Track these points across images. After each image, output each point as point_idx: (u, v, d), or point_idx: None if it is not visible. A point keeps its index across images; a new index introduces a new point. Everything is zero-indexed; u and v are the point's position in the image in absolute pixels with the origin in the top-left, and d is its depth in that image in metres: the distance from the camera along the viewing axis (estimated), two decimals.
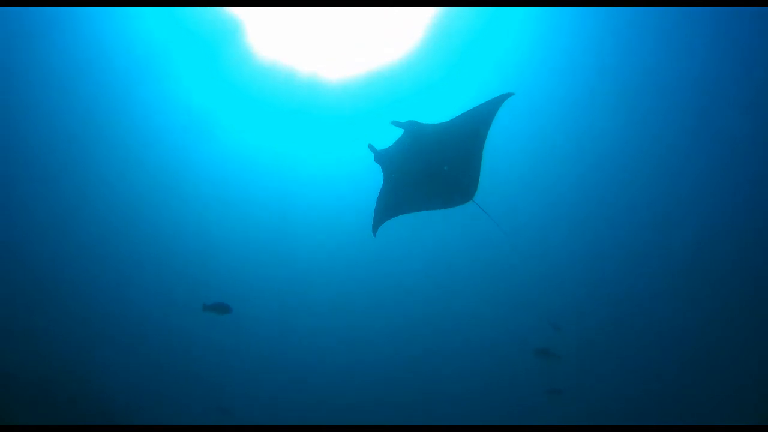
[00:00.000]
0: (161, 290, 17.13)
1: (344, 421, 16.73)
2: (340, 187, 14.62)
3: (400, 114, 10.18)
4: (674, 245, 16.03)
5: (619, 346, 18.23)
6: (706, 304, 16.91)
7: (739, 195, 14.45)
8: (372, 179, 7.23)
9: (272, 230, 16.32)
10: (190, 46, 11.63)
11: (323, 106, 12.84)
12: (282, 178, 14.94)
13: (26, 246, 15.49)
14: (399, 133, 6.46)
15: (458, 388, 19.19)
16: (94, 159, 14.09)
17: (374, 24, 11.06)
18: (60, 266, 16.05)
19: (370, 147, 6.39)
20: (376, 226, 6.87)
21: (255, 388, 19.02)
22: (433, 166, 6.56)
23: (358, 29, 11.16)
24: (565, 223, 16.16)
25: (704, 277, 16.46)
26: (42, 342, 15.51)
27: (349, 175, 14.09)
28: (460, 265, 17.26)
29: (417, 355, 19.29)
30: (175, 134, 13.80)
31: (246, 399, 18.91)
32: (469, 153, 6.56)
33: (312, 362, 19.24)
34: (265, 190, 15.33)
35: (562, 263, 17.06)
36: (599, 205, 15.58)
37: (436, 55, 11.87)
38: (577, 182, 15.11)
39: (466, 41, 11.59)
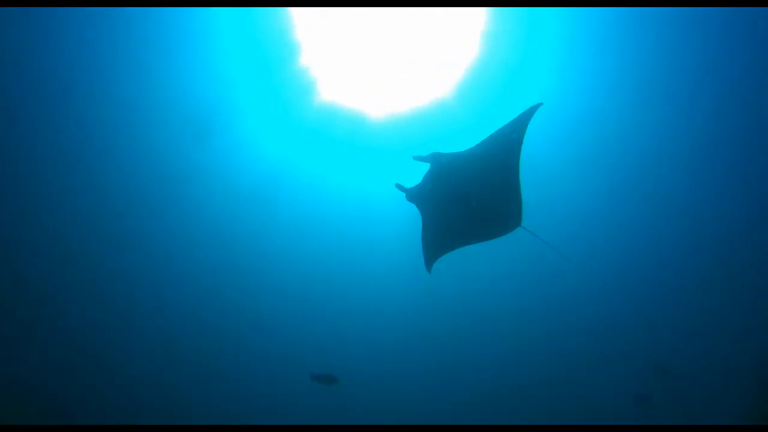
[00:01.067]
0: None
1: None
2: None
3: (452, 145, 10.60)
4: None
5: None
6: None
7: None
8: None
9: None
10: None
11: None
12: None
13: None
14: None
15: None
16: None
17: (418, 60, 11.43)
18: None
19: (398, 186, 6.00)
20: (428, 264, 6.40)
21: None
22: (468, 197, 6.07)
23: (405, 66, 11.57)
24: (621, 238, 15.42)
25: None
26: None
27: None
28: (524, 297, 16.82)
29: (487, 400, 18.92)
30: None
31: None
32: (505, 175, 6.00)
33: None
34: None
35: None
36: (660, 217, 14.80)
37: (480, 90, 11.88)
38: (632, 195, 14.39)
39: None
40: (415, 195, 6.11)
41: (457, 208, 6.15)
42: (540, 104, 5.76)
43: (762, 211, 14.03)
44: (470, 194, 6.07)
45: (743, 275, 15.53)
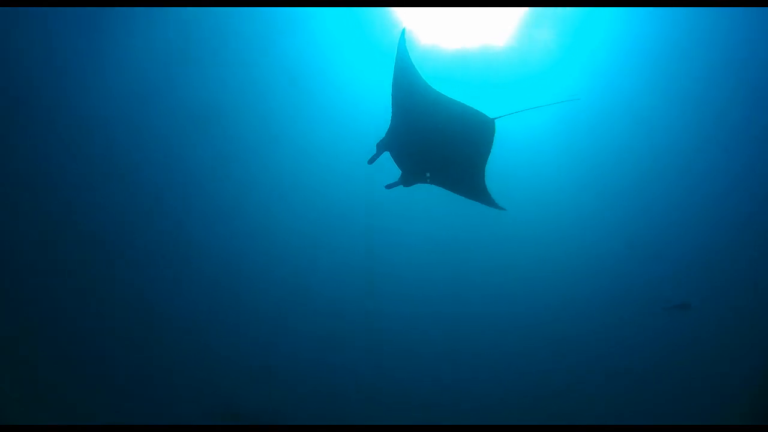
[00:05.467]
0: None
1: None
2: None
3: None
4: None
5: None
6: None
7: None
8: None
9: None
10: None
11: None
12: None
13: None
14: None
15: None
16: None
17: None
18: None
19: (390, 186, 6.10)
20: (493, 204, 6.37)
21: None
22: (436, 138, 6.11)
23: None
24: None
25: None
26: None
27: None
28: None
29: None
30: None
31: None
32: (433, 100, 5.94)
33: None
34: None
35: None
36: None
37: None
38: None
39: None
40: (408, 179, 6.19)
41: (441, 155, 6.21)
42: (404, 28, 5.77)
43: None
44: (436, 135, 6.10)
45: None
